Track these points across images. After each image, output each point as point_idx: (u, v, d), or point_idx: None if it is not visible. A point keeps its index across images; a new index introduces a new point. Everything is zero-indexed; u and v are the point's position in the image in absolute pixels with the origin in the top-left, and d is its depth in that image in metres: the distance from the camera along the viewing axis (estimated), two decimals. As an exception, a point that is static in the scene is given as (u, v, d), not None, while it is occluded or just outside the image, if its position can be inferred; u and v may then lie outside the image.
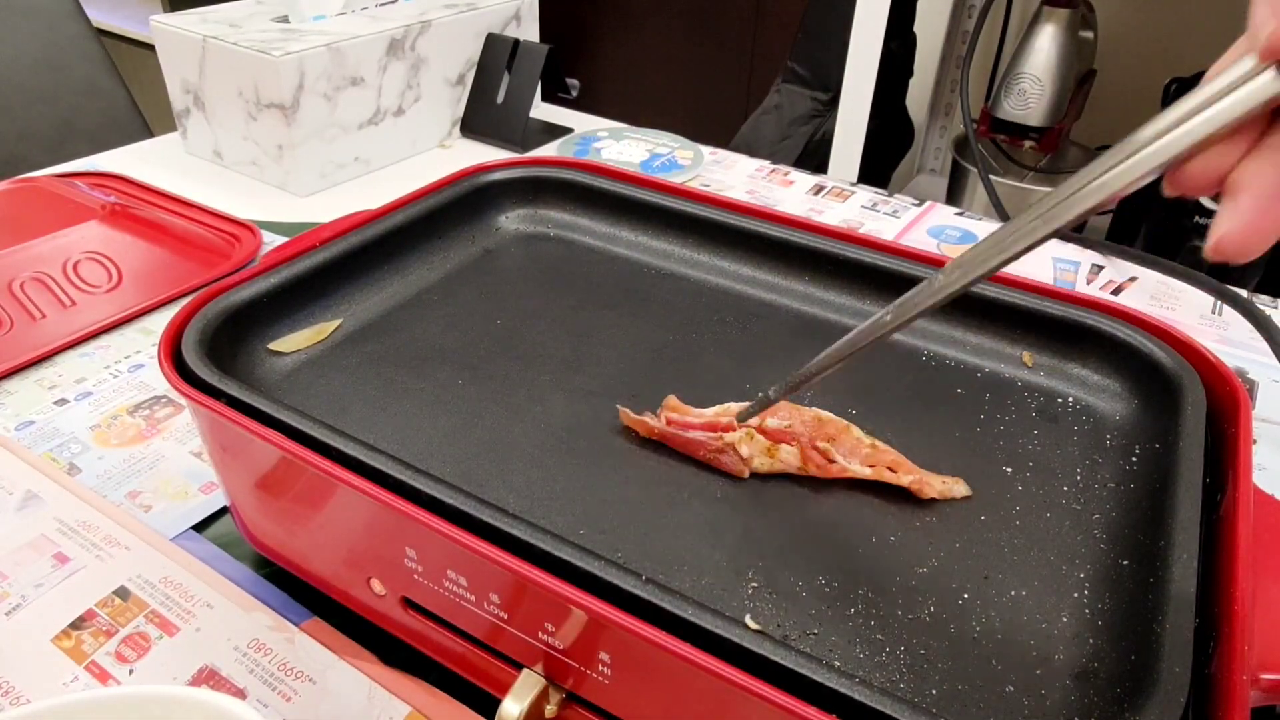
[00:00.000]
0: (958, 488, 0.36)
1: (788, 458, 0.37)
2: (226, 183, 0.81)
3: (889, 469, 0.36)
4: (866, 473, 0.36)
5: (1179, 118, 0.21)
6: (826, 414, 0.38)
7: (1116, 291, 0.67)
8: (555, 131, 0.91)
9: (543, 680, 0.31)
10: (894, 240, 0.62)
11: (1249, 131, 0.20)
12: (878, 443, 0.37)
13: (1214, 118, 0.20)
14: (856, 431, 0.37)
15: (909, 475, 0.36)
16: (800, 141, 1.31)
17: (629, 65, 1.86)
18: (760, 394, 0.36)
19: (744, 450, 0.36)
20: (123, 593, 0.40)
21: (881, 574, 0.33)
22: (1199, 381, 0.38)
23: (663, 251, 0.52)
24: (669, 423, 0.38)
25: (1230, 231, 0.20)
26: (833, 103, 1.19)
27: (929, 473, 0.37)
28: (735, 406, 0.38)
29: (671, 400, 0.39)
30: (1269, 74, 0.19)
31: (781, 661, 0.25)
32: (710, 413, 0.38)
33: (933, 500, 0.36)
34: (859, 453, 0.37)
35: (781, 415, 0.38)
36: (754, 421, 0.37)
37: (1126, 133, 0.22)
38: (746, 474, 0.37)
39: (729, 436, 0.36)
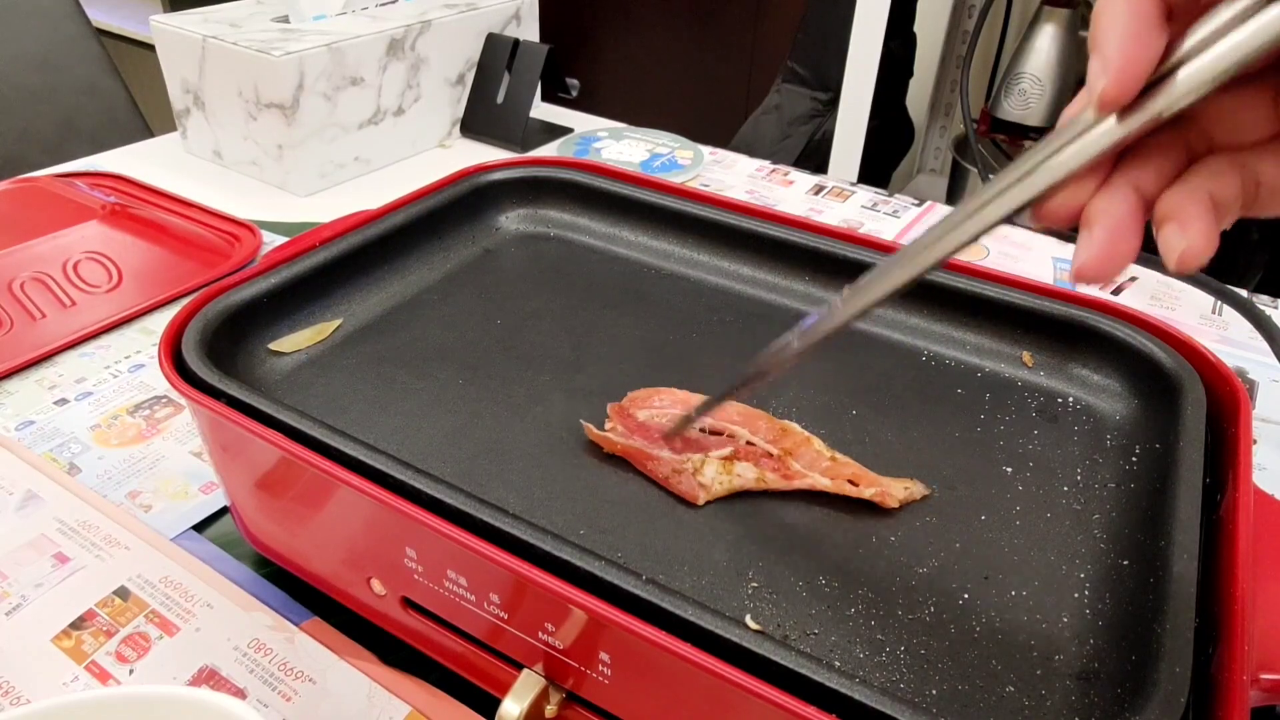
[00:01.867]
0: (917, 489, 0.36)
1: (744, 472, 0.36)
2: (226, 183, 0.81)
3: (850, 482, 0.36)
4: (827, 484, 0.36)
5: (1038, 162, 0.23)
6: (792, 425, 0.38)
7: (1116, 291, 0.67)
8: (555, 131, 0.91)
9: (543, 680, 0.31)
10: (894, 240, 0.62)
11: (1099, 170, 0.22)
12: (838, 455, 0.37)
13: (1067, 161, 0.22)
14: (818, 444, 0.37)
15: (871, 488, 0.35)
16: (800, 141, 1.31)
17: (629, 65, 1.86)
18: (689, 412, 0.36)
19: (708, 473, 0.35)
20: (123, 593, 0.40)
21: (881, 574, 0.33)
22: (1199, 381, 0.38)
23: (663, 251, 0.52)
24: (632, 428, 0.37)
25: (1088, 259, 0.22)
26: (833, 103, 1.19)
27: (889, 480, 0.36)
28: (694, 398, 0.38)
29: (633, 397, 0.39)
30: (1110, 121, 0.21)
31: (781, 661, 0.25)
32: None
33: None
34: (819, 465, 0.36)
35: (743, 425, 0.38)
36: (724, 452, 0.36)
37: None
38: (702, 501, 0.35)
39: (694, 459, 0.36)
